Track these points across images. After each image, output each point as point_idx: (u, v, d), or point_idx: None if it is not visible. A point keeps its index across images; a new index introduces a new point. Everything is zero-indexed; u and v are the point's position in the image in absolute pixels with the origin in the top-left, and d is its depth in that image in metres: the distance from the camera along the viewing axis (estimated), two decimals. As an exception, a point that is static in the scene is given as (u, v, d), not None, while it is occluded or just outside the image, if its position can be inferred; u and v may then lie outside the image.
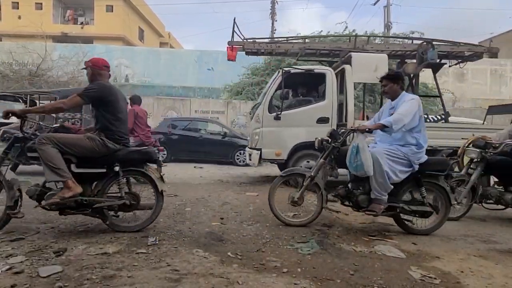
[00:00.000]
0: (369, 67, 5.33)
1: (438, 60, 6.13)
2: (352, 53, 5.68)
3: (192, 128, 9.78)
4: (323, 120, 5.31)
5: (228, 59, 6.62)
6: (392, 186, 2.95)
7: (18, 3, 22.21)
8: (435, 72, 6.54)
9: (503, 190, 3.70)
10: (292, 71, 5.48)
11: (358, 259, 2.40)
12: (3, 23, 21.75)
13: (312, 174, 3.13)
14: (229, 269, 2.13)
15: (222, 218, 3.39)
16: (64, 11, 24.20)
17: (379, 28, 31.30)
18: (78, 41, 18.76)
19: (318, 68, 5.73)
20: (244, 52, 7.00)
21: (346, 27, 14.66)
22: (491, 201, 3.73)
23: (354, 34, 14.62)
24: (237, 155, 9.32)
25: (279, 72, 5.49)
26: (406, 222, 3.14)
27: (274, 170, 7.88)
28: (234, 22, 6.51)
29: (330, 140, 3.18)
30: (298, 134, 5.27)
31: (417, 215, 3.05)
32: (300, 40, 7.22)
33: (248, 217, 3.47)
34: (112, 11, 22.72)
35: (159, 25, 29.12)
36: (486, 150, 3.56)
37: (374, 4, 17.61)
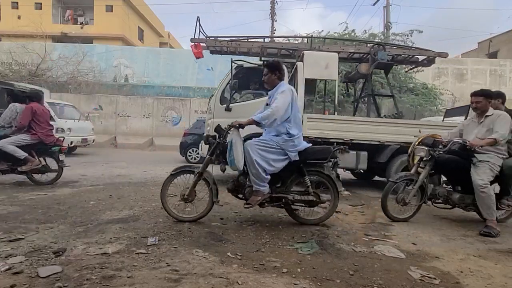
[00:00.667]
0: (320, 65, 5.55)
1: (387, 61, 6.51)
2: (305, 51, 5.85)
3: None
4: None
5: (196, 57, 6.58)
6: (269, 177, 3.01)
7: (17, 3, 22.19)
8: (386, 72, 7.02)
9: (451, 189, 3.66)
10: (245, 65, 5.60)
11: (357, 259, 2.40)
12: (3, 23, 21.74)
13: (200, 170, 3.13)
14: (229, 269, 2.13)
15: (221, 218, 3.39)
16: (63, 11, 24.19)
17: (378, 28, 31.39)
18: (78, 41, 18.76)
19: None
20: (209, 51, 7.05)
21: (347, 27, 14.68)
22: (440, 201, 3.69)
23: (353, 34, 14.71)
24: None
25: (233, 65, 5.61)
26: (296, 212, 3.22)
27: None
28: (198, 20, 6.53)
29: (216, 136, 3.18)
30: (248, 126, 5.34)
31: (304, 205, 3.12)
32: (260, 40, 7.28)
33: (248, 217, 3.47)
34: (112, 11, 22.71)
35: (159, 25, 29.11)
36: (434, 148, 3.51)
37: (374, 4, 17.62)
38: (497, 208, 3.39)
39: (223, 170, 3.25)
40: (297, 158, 3.03)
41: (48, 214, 3.40)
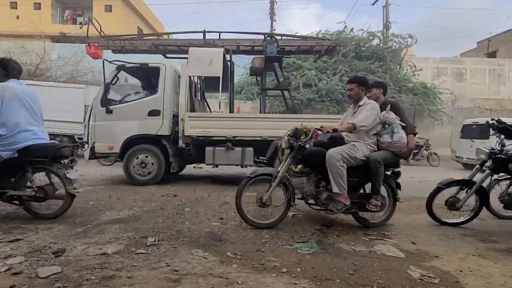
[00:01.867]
0: (204, 61, 5.42)
1: (276, 53, 6.41)
2: (190, 48, 5.75)
3: None
4: (154, 113, 5.34)
5: (94, 58, 6.31)
6: None
7: (16, 3, 22.15)
8: (280, 65, 6.95)
9: (324, 187, 3.23)
10: (127, 65, 5.52)
11: (357, 259, 2.40)
12: (2, 23, 21.68)
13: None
14: (229, 269, 2.13)
15: (221, 218, 3.39)
16: (62, 11, 24.15)
17: (378, 28, 31.38)
18: (77, 41, 18.72)
19: (152, 63, 5.78)
20: (111, 51, 6.99)
21: (345, 26, 14.69)
22: (312, 201, 3.29)
23: (352, 33, 14.71)
24: None
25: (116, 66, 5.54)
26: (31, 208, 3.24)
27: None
28: (89, 20, 6.45)
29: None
30: (130, 127, 5.32)
31: (33, 200, 3.14)
32: (154, 37, 7.26)
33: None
34: (111, 11, 22.68)
35: (158, 24, 29.08)
36: (297, 139, 3.08)
37: (373, 4, 17.62)
38: (366, 210, 3.16)
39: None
40: (14, 156, 3.03)
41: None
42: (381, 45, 14.51)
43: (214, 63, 5.37)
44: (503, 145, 3.31)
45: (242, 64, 16.10)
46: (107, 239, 2.63)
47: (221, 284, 1.91)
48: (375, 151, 3.18)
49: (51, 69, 15.69)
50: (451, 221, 3.48)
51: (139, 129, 5.32)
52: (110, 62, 5.36)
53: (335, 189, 2.96)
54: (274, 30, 19.22)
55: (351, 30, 14.61)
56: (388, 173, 3.31)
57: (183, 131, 5.27)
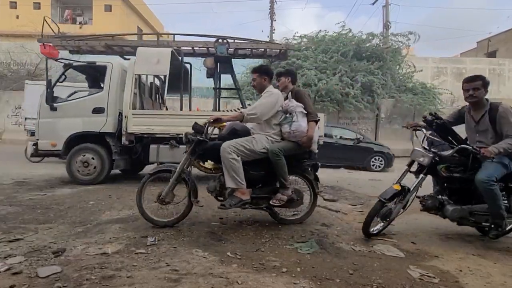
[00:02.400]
0: (151, 60, 5.48)
1: (227, 55, 6.50)
2: (138, 48, 5.84)
3: (328, 134, 9.85)
4: (98, 111, 5.35)
5: (49, 57, 6.17)
6: None
7: (16, 2, 22.14)
8: (230, 66, 6.94)
9: (219, 183, 3.06)
10: (74, 64, 5.57)
11: (357, 259, 2.40)
12: (1, 22, 21.67)
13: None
14: (229, 269, 2.14)
15: (221, 218, 3.39)
16: (62, 11, 24.13)
17: (377, 28, 31.41)
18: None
19: (100, 61, 5.80)
20: (68, 51, 6.99)
21: (343, 26, 14.69)
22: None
23: (351, 33, 14.70)
24: (373, 161, 9.58)
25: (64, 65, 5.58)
26: None
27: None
28: (44, 20, 6.43)
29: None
30: (74, 124, 5.33)
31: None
32: (109, 38, 7.17)
33: (247, 217, 3.47)
34: (111, 11, 22.67)
35: (158, 24, 29.07)
36: (197, 134, 2.92)
37: (373, 3, 17.62)
38: (270, 206, 3.06)
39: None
40: None
41: (48, 214, 3.40)
42: (381, 45, 14.50)
43: (161, 63, 5.42)
44: (432, 143, 2.97)
45: (242, 63, 16.08)
46: (107, 239, 2.63)
47: (221, 284, 1.91)
48: (274, 141, 3.03)
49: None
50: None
51: (83, 127, 5.32)
52: (56, 60, 5.38)
53: (229, 184, 2.83)
54: (274, 30, 19.20)
55: (350, 30, 14.60)
56: (306, 165, 3.22)
57: (126, 129, 5.26)
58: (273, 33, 18.76)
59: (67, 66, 5.51)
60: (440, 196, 2.92)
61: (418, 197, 2.94)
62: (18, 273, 1.96)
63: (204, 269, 2.10)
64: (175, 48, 6.34)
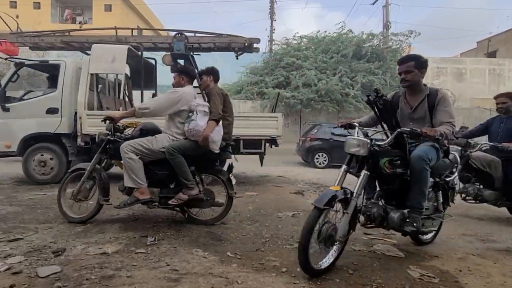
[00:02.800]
0: (106, 58, 5.31)
1: (184, 51, 6.33)
2: (93, 45, 5.62)
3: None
4: (52, 111, 5.23)
5: (8, 55, 6.08)
6: None
7: (16, 2, 22.11)
8: (191, 62, 6.75)
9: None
10: (27, 62, 5.42)
11: (357, 259, 2.40)
12: (1, 22, 21.67)
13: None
14: (228, 268, 2.14)
15: (221, 218, 3.39)
16: (62, 11, 24.12)
17: (378, 28, 31.39)
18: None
19: (53, 59, 5.69)
20: (29, 47, 6.89)
21: (343, 26, 14.70)
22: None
23: (351, 34, 14.70)
24: None
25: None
26: None
27: (273, 170, 7.88)
28: None
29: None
30: (28, 125, 5.23)
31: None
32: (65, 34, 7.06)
33: (247, 217, 3.47)
34: (111, 11, 22.65)
35: (158, 24, 29.04)
36: (110, 133, 3.02)
37: (373, 3, 17.62)
38: (189, 206, 3.11)
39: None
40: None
41: (47, 214, 3.40)
42: (381, 45, 14.51)
43: (117, 60, 5.26)
44: (366, 135, 2.39)
45: (242, 63, 16.09)
46: (107, 238, 2.63)
47: (221, 284, 1.91)
48: (174, 139, 3.01)
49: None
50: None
51: (37, 128, 5.21)
52: (5, 59, 5.28)
53: (127, 183, 2.86)
54: (274, 30, 19.21)
55: (350, 31, 14.62)
56: (219, 166, 3.22)
57: (81, 130, 5.16)
58: (273, 33, 18.77)
59: (19, 65, 5.33)
60: (382, 202, 2.47)
61: (359, 207, 2.30)
62: (18, 272, 1.96)
63: (204, 269, 2.10)
64: (133, 44, 6.18)
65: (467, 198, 3.84)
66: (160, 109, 2.98)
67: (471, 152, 3.77)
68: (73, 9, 24.15)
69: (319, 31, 15.19)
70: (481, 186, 3.83)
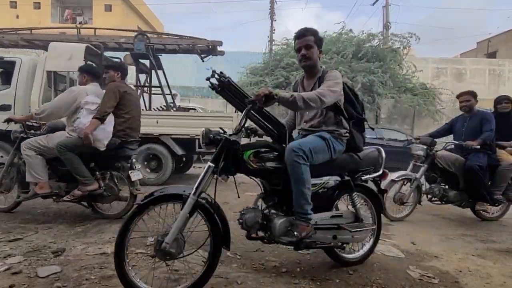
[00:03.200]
0: (63, 56, 5.28)
1: (144, 51, 6.35)
2: (51, 43, 5.59)
3: (378, 136, 9.69)
4: (4, 108, 5.10)
5: None
6: None
7: (16, 2, 22.13)
8: (152, 63, 6.82)
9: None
10: None
11: (357, 259, 2.40)
12: (1, 22, 21.67)
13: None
14: (228, 269, 2.14)
15: (221, 218, 3.38)
16: (62, 11, 24.13)
17: (378, 28, 31.39)
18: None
19: (9, 56, 5.61)
20: None
21: (343, 26, 14.71)
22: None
23: (351, 34, 14.70)
24: None
25: None
26: None
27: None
28: None
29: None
30: None
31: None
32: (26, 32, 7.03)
33: (247, 217, 3.46)
34: (111, 11, 22.67)
35: (158, 24, 29.07)
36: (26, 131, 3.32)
37: (373, 4, 17.63)
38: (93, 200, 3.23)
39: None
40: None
41: (47, 214, 3.40)
42: (381, 45, 14.52)
43: (74, 58, 5.20)
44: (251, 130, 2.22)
45: (242, 64, 16.09)
46: (107, 238, 2.63)
47: (221, 284, 1.91)
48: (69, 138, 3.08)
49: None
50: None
51: None
52: None
53: (28, 178, 3.04)
54: (274, 30, 19.20)
55: (350, 30, 14.62)
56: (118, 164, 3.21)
57: None
58: (273, 33, 18.77)
59: None
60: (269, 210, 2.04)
61: (240, 221, 2.09)
62: (18, 273, 1.96)
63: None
64: (94, 42, 6.14)
65: (433, 199, 3.75)
66: (57, 111, 3.12)
67: (436, 151, 3.68)
68: (73, 9, 24.15)
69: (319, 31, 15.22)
70: (447, 187, 3.74)
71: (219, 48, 7.11)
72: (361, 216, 2.17)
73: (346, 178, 2.15)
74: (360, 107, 2.19)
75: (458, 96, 3.86)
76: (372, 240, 2.34)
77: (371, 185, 2.31)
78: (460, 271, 2.26)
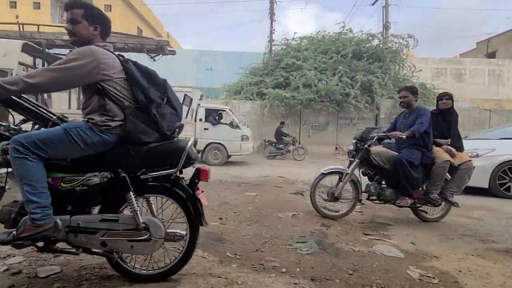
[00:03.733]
0: None
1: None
2: None
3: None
4: None
5: None
6: None
7: (15, 2, 22.14)
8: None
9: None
10: None
11: (357, 259, 2.40)
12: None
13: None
14: (228, 269, 2.14)
15: (221, 218, 3.39)
16: (62, 11, 24.13)
17: (377, 28, 31.39)
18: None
19: None
20: None
21: (343, 26, 14.73)
22: None
23: (351, 33, 14.72)
24: None
25: None
26: None
27: (273, 170, 7.89)
28: None
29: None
30: None
31: None
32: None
33: (247, 217, 3.47)
34: (111, 11, 22.66)
35: (158, 24, 29.09)
36: None
37: (373, 4, 17.63)
38: None
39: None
40: None
41: (47, 214, 3.39)
42: (381, 45, 14.54)
43: (9, 55, 5.15)
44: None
45: (242, 64, 16.09)
46: (107, 239, 2.63)
47: (221, 284, 1.91)
48: None
49: None
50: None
51: None
52: None
53: None
54: (274, 30, 19.21)
55: (350, 30, 14.64)
56: None
57: None
58: (273, 33, 18.77)
59: None
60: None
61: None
62: (18, 273, 1.96)
63: (204, 269, 2.10)
64: (34, 39, 6.10)
65: (371, 197, 3.55)
66: None
67: (369, 146, 3.47)
68: (73, 9, 24.14)
69: (319, 31, 15.22)
70: (384, 184, 3.56)
71: (169, 48, 7.16)
72: (143, 223, 1.76)
73: (122, 175, 1.76)
74: (160, 89, 1.83)
75: (398, 92, 3.80)
76: (179, 256, 1.91)
77: (183, 187, 1.88)
78: (460, 271, 2.26)
